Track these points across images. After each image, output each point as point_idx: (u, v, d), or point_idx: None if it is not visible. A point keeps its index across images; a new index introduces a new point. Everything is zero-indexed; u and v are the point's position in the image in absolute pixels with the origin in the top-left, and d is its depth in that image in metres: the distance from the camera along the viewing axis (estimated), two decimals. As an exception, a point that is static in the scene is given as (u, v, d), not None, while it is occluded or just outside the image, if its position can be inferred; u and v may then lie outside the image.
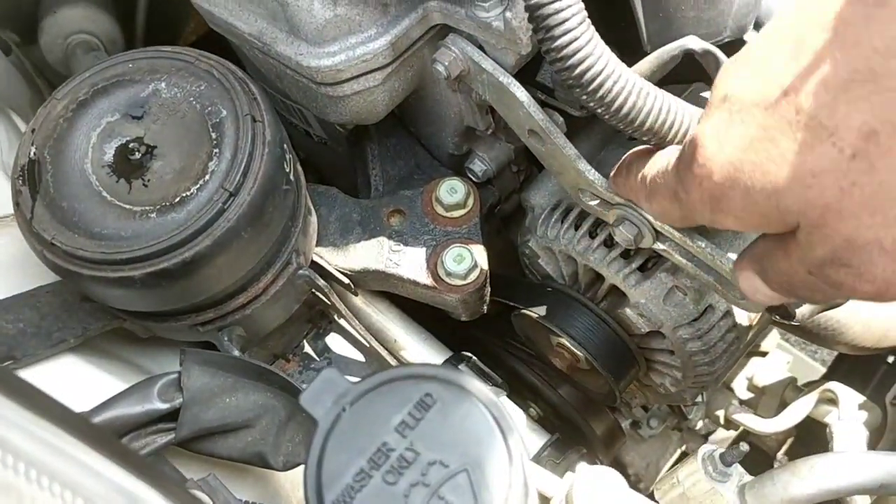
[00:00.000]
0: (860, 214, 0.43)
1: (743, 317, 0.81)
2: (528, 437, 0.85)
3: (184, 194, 0.66)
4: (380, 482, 0.45)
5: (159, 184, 0.67)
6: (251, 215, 0.66)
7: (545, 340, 0.88)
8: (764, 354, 1.36)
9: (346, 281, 0.83)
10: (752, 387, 1.32)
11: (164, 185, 0.67)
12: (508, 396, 0.94)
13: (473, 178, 0.90)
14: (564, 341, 0.83)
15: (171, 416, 0.65)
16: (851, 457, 0.68)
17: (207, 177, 0.66)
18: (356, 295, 0.86)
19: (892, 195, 0.42)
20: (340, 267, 0.83)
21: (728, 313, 0.80)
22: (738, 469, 0.72)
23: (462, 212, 0.84)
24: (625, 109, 0.64)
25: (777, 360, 1.36)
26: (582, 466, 0.65)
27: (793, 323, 0.85)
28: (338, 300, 0.80)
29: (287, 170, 0.71)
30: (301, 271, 0.76)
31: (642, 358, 0.85)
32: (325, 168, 1.03)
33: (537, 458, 0.84)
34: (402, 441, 0.46)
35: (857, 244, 0.44)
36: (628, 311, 0.81)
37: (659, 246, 0.75)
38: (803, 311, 0.78)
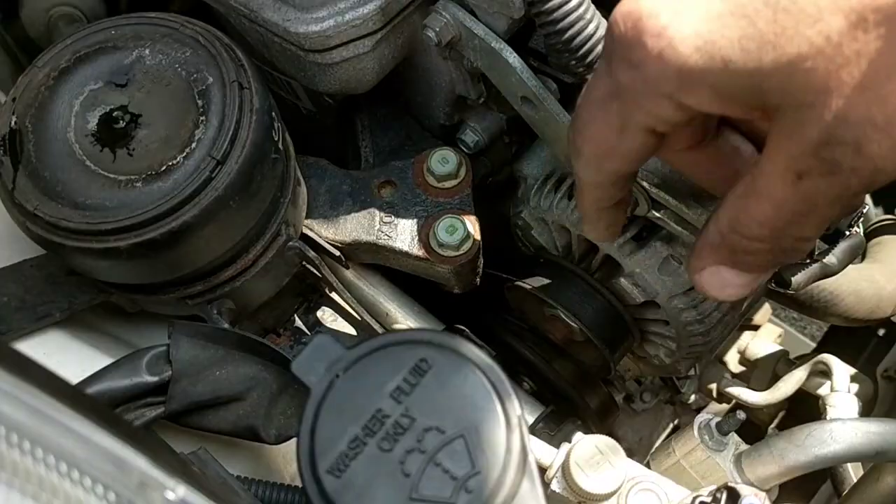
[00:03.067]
0: (850, 94, 0.42)
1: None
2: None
3: (170, 163, 0.65)
4: (375, 449, 0.44)
5: (145, 153, 0.65)
6: (239, 184, 0.65)
7: (539, 313, 0.87)
8: (756, 328, 1.36)
9: (337, 253, 0.81)
10: (743, 360, 1.32)
11: (149, 153, 0.65)
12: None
13: (465, 149, 0.88)
14: (559, 313, 0.82)
15: (161, 389, 0.64)
16: (847, 424, 0.67)
17: (194, 145, 0.65)
18: (347, 268, 0.85)
19: (880, 75, 0.42)
20: (331, 239, 0.82)
21: (723, 282, 0.79)
22: (734, 438, 0.72)
23: (454, 182, 0.83)
24: None
25: (769, 333, 1.36)
26: (578, 435, 0.65)
27: (788, 292, 0.85)
28: (329, 273, 0.79)
29: (276, 138, 0.69)
30: (291, 243, 0.75)
31: (637, 329, 0.85)
32: (314, 141, 1.02)
33: (532, 430, 0.84)
34: (397, 407, 0.45)
35: (850, 121, 0.42)
36: (623, 280, 0.80)
37: (654, 214, 0.74)
38: (798, 279, 0.78)
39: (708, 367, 1.27)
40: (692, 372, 1.16)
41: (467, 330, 0.89)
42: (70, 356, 0.72)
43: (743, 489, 0.55)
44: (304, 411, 0.45)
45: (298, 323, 0.86)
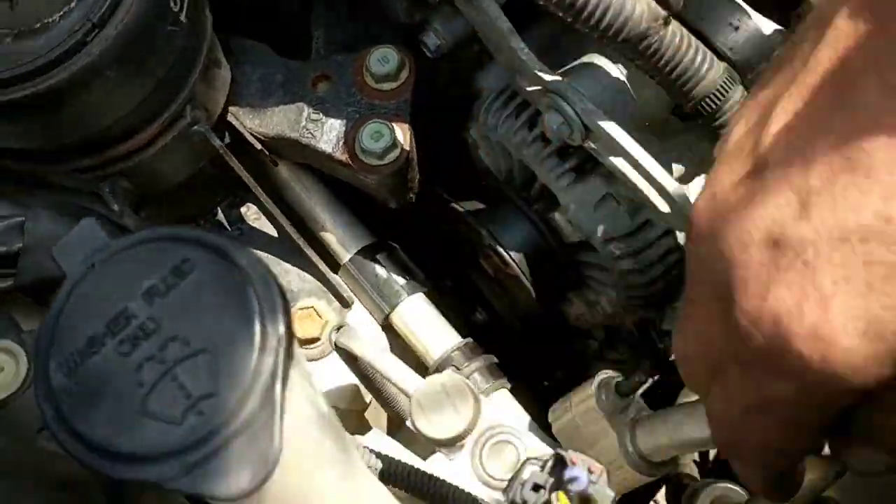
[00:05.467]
0: None
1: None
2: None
3: (46, 20, 0.60)
4: (112, 351, 0.39)
5: (24, 7, 0.60)
6: (117, 53, 0.60)
7: (477, 242, 0.80)
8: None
9: (259, 146, 0.76)
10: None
11: (29, 8, 0.60)
12: (454, 297, 0.88)
13: (427, 52, 0.81)
14: (485, 240, 0.76)
15: (9, 260, 0.60)
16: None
17: (73, 4, 0.60)
18: (276, 165, 0.79)
19: None
20: (254, 130, 0.76)
21: (669, 232, 0.71)
22: (637, 403, 0.64)
23: (392, 85, 0.75)
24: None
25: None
26: (446, 374, 0.59)
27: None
28: (236, 164, 0.73)
29: (175, 9, 0.63)
30: (196, 126, 0.70)
31: (574, 270, 0.77)
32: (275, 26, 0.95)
33: (446, 362, 0.77)
34: (146, 309, 0.39)
35: None
36: (557, 215, 0.73)
37: (590, 145, 0.66)
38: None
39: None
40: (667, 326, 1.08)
41: (398, 248, 0.83)
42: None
43: (576, 457, 0.48)
44: (54, 298, 0.41)
45: (221, 216, 0.82)
